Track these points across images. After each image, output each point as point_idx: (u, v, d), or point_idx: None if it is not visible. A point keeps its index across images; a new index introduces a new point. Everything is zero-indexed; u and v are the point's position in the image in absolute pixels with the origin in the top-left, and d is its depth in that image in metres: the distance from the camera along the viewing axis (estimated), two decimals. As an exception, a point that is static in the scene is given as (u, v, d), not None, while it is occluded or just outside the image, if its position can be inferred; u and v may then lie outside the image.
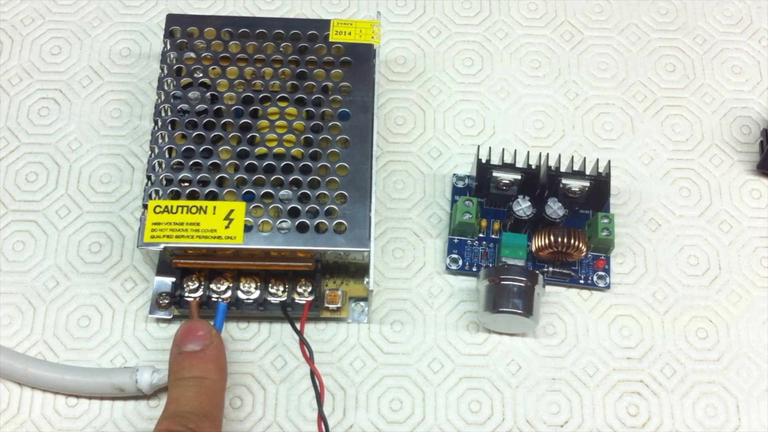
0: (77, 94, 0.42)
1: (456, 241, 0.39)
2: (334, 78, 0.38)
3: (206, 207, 0.34)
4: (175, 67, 0.38)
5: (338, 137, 0.36)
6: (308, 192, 0.35)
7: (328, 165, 0.35)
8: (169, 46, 0.38)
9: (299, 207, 0.34)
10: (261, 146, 0.36)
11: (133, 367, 0.35)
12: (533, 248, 0.37)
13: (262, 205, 0.35)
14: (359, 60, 0.38)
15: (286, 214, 0.34)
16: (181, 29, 0.38)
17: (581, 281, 0.38)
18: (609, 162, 0.38)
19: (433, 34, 0.45)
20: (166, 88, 0.37)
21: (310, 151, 0.36)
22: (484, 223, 0.39)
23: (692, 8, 0.46)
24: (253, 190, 0.35)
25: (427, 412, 0.36)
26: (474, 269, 0.38)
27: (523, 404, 0.36)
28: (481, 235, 0.39)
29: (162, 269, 0.36)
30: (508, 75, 0.44)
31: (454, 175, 0.40)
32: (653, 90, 0.43)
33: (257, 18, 0.42)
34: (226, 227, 0.34)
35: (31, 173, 0.40)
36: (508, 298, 0.35)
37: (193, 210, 0.34)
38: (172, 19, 0.39)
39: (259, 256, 0.34)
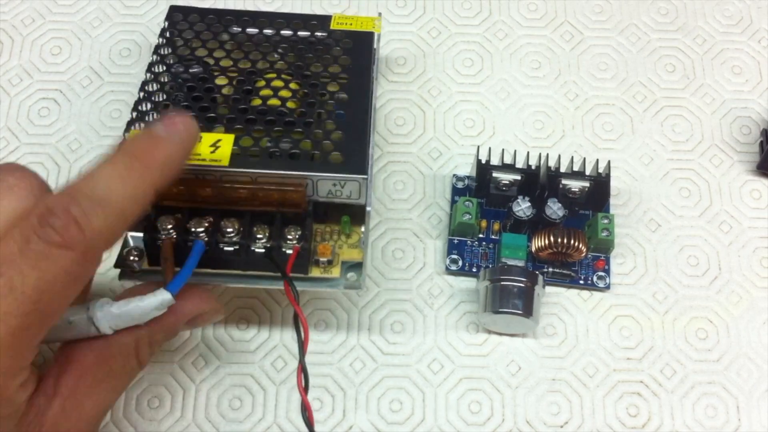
0: (77, 94, 0.42)
1: (456, 241, 0.39)
2: (334, 52, 0.37)
3: None
4: (174, 40, 0.36)
5: (336, 95, 0.35)
6: (302, 130, 0.33)
7: (324, 112, 0.34)
8: (167, 26, 0.37)
9: (292, 140, 0.32)
10: (256, 97, 0.34)
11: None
12: (533, 249, 0.37)
13: (252, 139, 0.32)
14: (360, 40, 0.37)
15: (277, 144, 0.32)
16: (182, 16, 0.38)
17: (581, 282, 0.38)
18: (609, 162, 0.38)
19: (433, 35, 0.45)
20: (162, 52, 0.36)
21: (308, 101, 0.34)
22: (484, 223, 0.39)
23: (692, 8, 0.46)
24: (243, 127, 0.33)
25: (427, 412, 0.36)
26: (474, 270, 0.38)
27: (523, 405, 0.36)
28: (481, 235, 0.39)
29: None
30: (508, 75, 0.44)
31: (454, 175, 0.40)
32: (653, 90, 0.43)
33: (260, 12, 0.41)
34: (212, 152, 0.31)
35: (31, 174, 0.40)
36: (508, 298, 0.35)
37: None
38: (175, 10, 0.38)
39: (245, 194, 0.31)
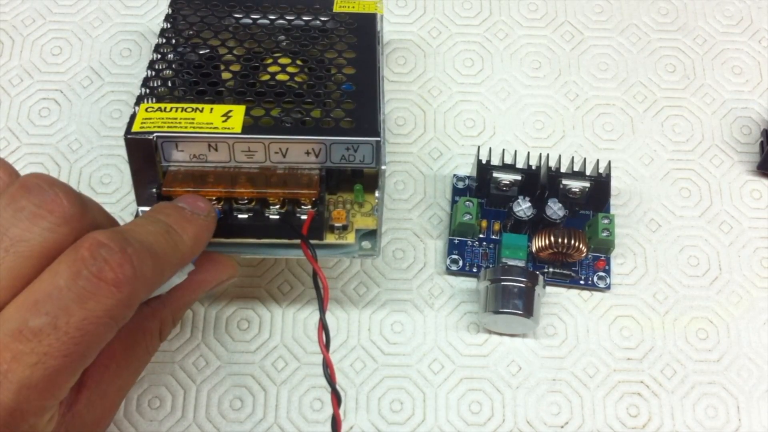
0: (78, 94, 0.42)
1: (456, 241, 0.39)
2: (339, 32, 0.37)
3: (202, 108, 0.32)
4: (179, 24, 0.36)
5: (344, 68, 0.35)
6: (312, 100, 0.33)
7: (333, 84, 0.34)
8: (171, 12, 0.37)
9: (303, 109, 0.32)
10: (264, 73, 0.34)
11: None
12: (533, 249, 0.37)
13: (263, 109, 0.32)
14: (363, 20, 0.37)
15: (288, 114, 0.32)
16: (186, 1, 0.38)
17: (582, 282, 0.38)
18: (609, 162, 0.38)
19: (433, 35, 0.45)
20: (168, 35, 0.36)
21: (316, 74, 0.34)
22: (484, 223, 0.39)
23: (692, 8, 0.46)
24: (253, 99, 0.33)
25: (428, 413, 0.36)
26: (474, 270, 0.38)
27: (524, 405, 0.36)
28: (481, 235, 0.39)
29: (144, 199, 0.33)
30: (509, 75, 0.44)
31: (455, 175, 0.40)
32: (653, 90, 0.43)
33: (263, 6, 0.41)
34: (224, 122, 0.31)
35: (31, 174, 0.40)
36: (509, 298, 0.35)
37: (188, 110, 0.32)
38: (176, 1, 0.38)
39: (259, 175, 0.31)
